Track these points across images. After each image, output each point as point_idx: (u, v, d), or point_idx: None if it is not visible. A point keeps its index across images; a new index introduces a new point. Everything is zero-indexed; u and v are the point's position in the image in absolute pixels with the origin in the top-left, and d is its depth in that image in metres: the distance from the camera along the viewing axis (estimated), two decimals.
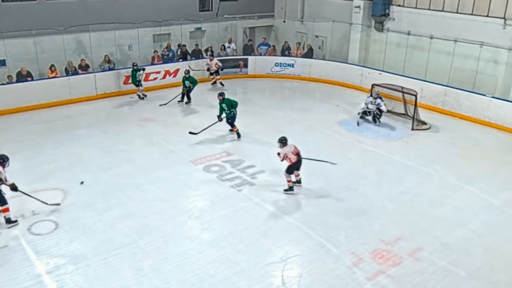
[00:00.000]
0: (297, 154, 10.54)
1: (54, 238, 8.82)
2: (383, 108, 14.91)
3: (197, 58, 19.98)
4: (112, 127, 14.66)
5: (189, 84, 16.47)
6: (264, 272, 8.00)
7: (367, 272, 8.05)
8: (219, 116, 13.54)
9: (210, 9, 21.72)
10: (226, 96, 13.60)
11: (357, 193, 10.87)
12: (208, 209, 10.02)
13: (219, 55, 20.38)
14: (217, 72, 18.73)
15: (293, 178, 10.78)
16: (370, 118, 15.25)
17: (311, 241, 8.90)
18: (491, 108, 15.33)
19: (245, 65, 20.48)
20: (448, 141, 14.19)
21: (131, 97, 17.30)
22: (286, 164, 10.54)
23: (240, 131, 13.79)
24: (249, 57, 20.76)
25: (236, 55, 20.77)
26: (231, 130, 13.79)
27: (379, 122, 15.05)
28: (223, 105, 13.43)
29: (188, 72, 16.62)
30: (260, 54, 21.39)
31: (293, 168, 10.60)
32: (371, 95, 15.05)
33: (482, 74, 16.51)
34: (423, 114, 15.46)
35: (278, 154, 10.50)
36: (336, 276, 7.93)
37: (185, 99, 16.84)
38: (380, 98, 14.91)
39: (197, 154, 12.60)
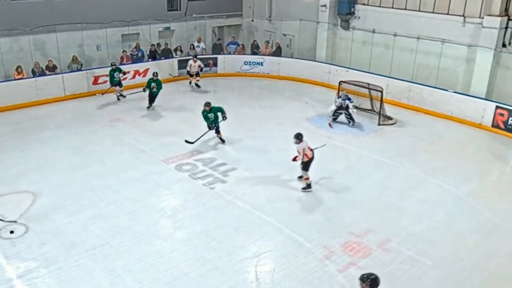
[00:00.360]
0: (312, 150, 10.71)
1: (24, 242, 8.69)
2: (351, 110, 14.98)
3: (167, 57, 19.89)
4: (81, 128, 14.47)
5: (154, 86, 15.93)
6: (237, 268, 8.11)
7: (339, 265, 8.26)
8: (209, 126, 13.17)
9: (179, 9, 21.65)
10: (202, 101, 13.41)
11: (327, 187, 11.11)
12: (180, 208, 10.07)
13: (188, 55, 20.34)
14: (197, 74, 18.61)
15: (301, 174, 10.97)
16: (342, 118, 15.26)
17: (283, 236, 9.05)
18: (453, 103, 15.87)
19: (215, 64, 20.52)
20: (413, 135, 14.62)
21: (98, 95, 17.03)
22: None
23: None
24: (219, 56, 20.81)
25: (205, 54, 20.77)
26: (221, 139, 13.46)
27: (354, 122, 15.06)
28: (209, 114, 13.02)
29: (157, 74, 16.23)
30: (229, 53, 21.47)
31: (309, 164, 10.71)
32: (340, 97, 15.17)
33: (444, 70, 17.07)
34: (389, 110, 15.88)
35: (298, 152, 10.50)
36: (308, 270, 8.10)
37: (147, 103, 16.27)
38: (349, 99, 15.05)
39: (168, 154, 12.60)
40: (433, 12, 17.10)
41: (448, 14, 16.68)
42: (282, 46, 21.66)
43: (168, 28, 21.45)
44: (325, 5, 20.08)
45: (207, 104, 13.04)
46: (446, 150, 13.51)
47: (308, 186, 10.90)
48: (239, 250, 8.62)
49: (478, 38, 15.77)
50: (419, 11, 17.47)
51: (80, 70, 17.79)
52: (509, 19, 15.23)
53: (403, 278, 8.00)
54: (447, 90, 16.20)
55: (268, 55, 21.08)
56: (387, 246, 8.84)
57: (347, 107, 14.94)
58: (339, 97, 15.24)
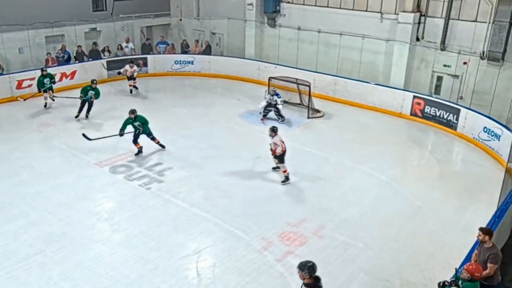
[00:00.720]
0: (283, 142, 11.16)
1: None
2: (279, 106, 15.27)
3: (95, 58, 19.34)
4: (6, 134, 13.77)
5: (92, 95, 14.92)
6: (178, 266, 8.20)
7: (277, 254, 8.58)
8: (136, 134, 12.42)
9: (104, 9, 21.09)
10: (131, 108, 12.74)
11: (262, 180, 11.44)
12: (117, 210, 9.96)
13: (116, 55, 19.92)
14: (133, 78, 17.98)
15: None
16: (273, 114, 15.58)
17: (221, 231, 9.25)
18: (375, 94, 16.83)
19: (145, 64, 20.24)
20: (341, 127, 15.34)
21: (19, 100, 16.15)
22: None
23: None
24: (148, 56, 20.56)
25: (134, 55, 20.43)
26: (160, 145, 12.90)
27: (283, 119, 15.40)
28: (136, 123, 12.26)
29: (96, 82, 15.22)
30: (159, 53, 21.29)
31: (284, 156, 11.16)
32: (269, 93, 15.53)
33: (366, 64, 18.04)
34: (317, 103, 16.52)
35: (274, 144, 11.02)
36: (248, 262, 8.35)
37: (84, 112, 15.19)
38: (277, 94, 15.41)
39: (102, 156, 12.35)
40: (353, 9, 17.97)
41: (366, 11, 17.62)
42: (211, 44, 21.83)
43: (95, 28, 20.86)
44: (251, 4, 20.45)
45: (132, 111, 12.28)
46: (371, 139, 14.31)
47: (287, 178, 11.27)
48: (179, 248, 8.71)
49: (395, 33, 16.83)
50: (340, 8, 18.30)
51: (1, 74, 16.88)
52: (421, 15, 16.38)
53: (338, 261, 8.46)
54: (369, 83, 17.15)
55: (198, 53, 21.14)
56: (322, 233, 9.29)
57: (275, 104, 15.29)
58: (268, 93, 15.61)
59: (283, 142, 11.15)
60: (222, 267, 8.23)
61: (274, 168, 11.67)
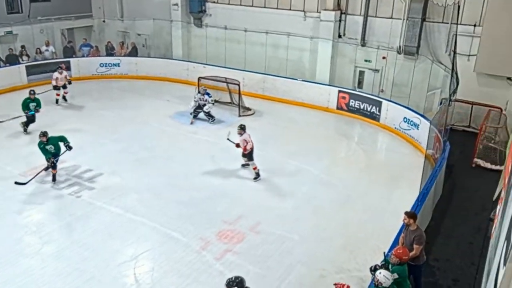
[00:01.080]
0: (252, 141, 11.31)
1: None
2: (206, 107, 15.11)
3: (13, 63, 18.27)
4: None
5: (34, 107, 13.74)
6: (115, 274, 8.03)
7: (215, 253, 8.63)
8: (49, 160, 10.90)
9: (20, 11, 20.03)
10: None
11: (197, 180, 11.43)
12: (46, 221, 9.55)
13: (35, 59, 18.95)
14: (65, 86, 16.75)
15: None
16: (203, 115, 15.50)
17: (158, 235, 9.15)
18: (303, 90, 17.34)
19: (68, 68, 19.34)
20: (271, 123, 15.65)
21: None
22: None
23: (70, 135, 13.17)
24: (71, 59, 19.74)
25: (56, 58, 19.55)
26: (54, 177, 11.14)
27: (213, 119, 15.38)
28: (48, 146, 10.88)
29: (34, 93, 14.04)
30: (83, 56, 20.55)
31: (252, 153, 11.32)
32: (199, 92, 15.46)
33: (292, 61, 18.54)
34: (247, 101, 16.74)
35: (239, 144, 11.17)
36: (187, 263, 8.34)
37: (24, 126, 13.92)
38: (208, 94, 15.37)
39: (27, 166, 11.69)
40: (277, 8, 18.41)
41: (290, 9, 18.12)
42: (137, 46, 21.37)
43: (10, 32, 19.70)
44: (176, 4, 20.29)
45: (43, 133, 10.87)
46: (300, 134, 14.74)
47: (258, 174, 11.39)
48: (115, 255, 8.52)
49: (318, 30, 17.45)
50: (265, 7, 18.65)
51: None
52: (341, 13, 17.09)
53: (275, 255, 8.67)
54: (296, 79, 17.62)
55: (124, 55, 20.64)
56: (258, 229, 9.47)
57: (204, 104, 15.21)
58: (198, 92, 15.57)
59: (251, 139, 11.38)
60: (160, 270, 8.15)
61: (243, 165, 11.84)
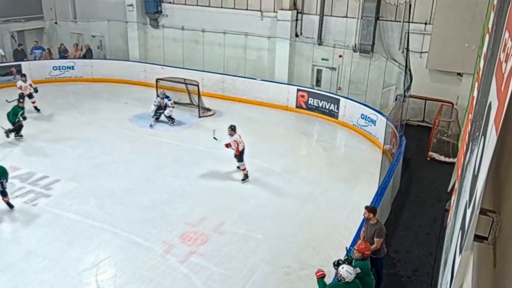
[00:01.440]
0: (242, 141, 11.16)
1: None
2: (167, 111, 15.01)
3: None
4: None
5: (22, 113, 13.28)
6: (76, 282, 7.83)
7: (179, 256, 8.56)
8: None
9: None
10: None
11: (158, 183, 11.29)
12: (1, 232, 9.17)
13: None
14: (30, 95, 15.68)
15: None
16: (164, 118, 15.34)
17: (120, 240, 8.98)
18: (262, 90, 17.42)
19: (19, 72, 18.62)
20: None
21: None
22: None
23: (23, 141, 12.71)
24: (22, 63, 19.00)
25: (6, 62, 18.78)
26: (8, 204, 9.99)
27: (173, 121, 15.26)
28: None
29: (23, 101, 13.45)
30: (35, 59, 19.83)
31: (243, 154, 11.18)
32: (158, 96, 15.27)
33: (251, 61, 18.59)
34: (206, 102, 16.65)
35: (229, 145, 11.05)
36: (150, 267, 8.23)
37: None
38: (167, 97, 15.26)
39: None
40: (234, 8, 18.41)
41: (247, 9, 18.16)
42: (92, 47, 20.83)
43: None
44: (131, 5, 19.93)
45: None
46: (261, 133, 14.78)
47: (246, 176, 11.27)
48: (76, 263, 8.30)
49: (275, 30, 17.58)
50: (221, 7, 18.61)
51: None
52: (298, 12, 17.28)
53: (240, 255, 8.69)
54: (255, 79, 17.68)
55: (79, 58, 20.08)
56: (222, 229, 9.46)
57: (165, 106, 15.08)
58: (157, 96, 15.38)
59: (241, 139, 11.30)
60: (123, 276, 8.01)
61: (238, 168, 11.66)
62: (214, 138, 11.79)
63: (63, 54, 20.26)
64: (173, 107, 15.30)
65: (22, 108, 13.42)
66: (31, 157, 12.32)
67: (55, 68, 19.39)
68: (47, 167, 11.84)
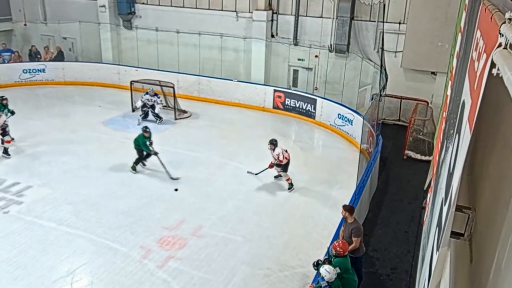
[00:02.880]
0: (287, 151, 11.04)
1: None
2: (157, 109, 15.28)
3: None
4: None
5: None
6: None
7: (157, 261, 8.41)
8: None
9: None
10: None
11: (135, 187, 11.09)
12: None
13: None
14: None
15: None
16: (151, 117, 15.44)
17: (96, 246, 8.78)
18: (239, 91, 17.36)
19: None
20: (208, 125, 15.52)
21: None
22: None
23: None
24: None
25: None
26: None
27: (161, 120, 15.35)
28: None
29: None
30: (4, 62, 19.33)
31: (288, 165, 10.98)
32: (147, 93, 15.36)
33: (227, 62, 18.51)
34: (182, 104, 16.50)
35: (272, 165, 10.94)
36: (128, 273, 8.07)
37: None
38: (157, 95, 15.37)
39: None
40: (209, 9, 18.31)
41: (222, 10, 18.07)
42: (64, 50, 20.44)
43: None
44: (104, 6, 19.61)
45: None
46: (238, 134, 14.74)
47: (291, 185, 11.10)
48: (50, 271, 8.07)
49: (251, 30, 17.56)
50: (196, 8, 18.48)
51: None
52: (273, 13, 17.28)
53: (219, 258, 8.59)
54: (232, 80, 17.60)
55: (50, 60, 19.65)
56: (201, 233, 9.34)
57: (153, 105, 15.19)
58: (146, 93, 15.37)
59: (286, 151, 11.05)
60: (100, 283, 7.83)
61: (276, 177, 11.51)
62: (249, 172, 11.79)
63: (34, 56, 19.79)
64: (162, 105, 15.43)
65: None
66: (0, 164, 11.95)
67: (25, 71, 18.90)
68: (18, 173, 11.50)
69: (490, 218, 3.23)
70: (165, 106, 16.55)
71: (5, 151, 12.41)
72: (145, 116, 15.34)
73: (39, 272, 8.01)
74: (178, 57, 19.05)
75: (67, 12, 20.48)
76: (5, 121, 12.51)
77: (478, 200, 3.87)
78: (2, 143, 12.57)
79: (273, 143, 11.01)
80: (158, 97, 15.36)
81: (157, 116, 15.32)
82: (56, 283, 7.79)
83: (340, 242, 7.01)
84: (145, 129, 11.82)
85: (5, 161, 12.09)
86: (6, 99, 13.27)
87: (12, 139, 12.73)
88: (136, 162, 11.87)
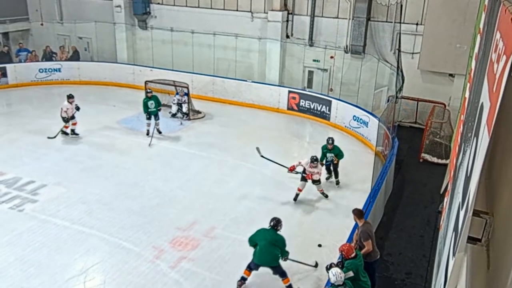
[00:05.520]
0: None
1: None
2: (184, 108, 15.69)
3: None
4: None
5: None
6: None
7: (170, 261, 8.40)
8: None
9: None
10: None
11: (148, 188, 11.10)
12: None
13: None
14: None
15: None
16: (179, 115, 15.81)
17: (109, 246, 8.80)
18: (253, 92, 17.30)
19: (4, 74, 18.37)
20: (222, 126, 15.50)
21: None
22: None
23: (9, 145, 12.43)
24: (7, 65, 18.69)
25: None
26: None
27: (188, 116, 15.69)
28: None
29: None
30: (20, 61, 19.54)
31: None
32: (177, 93, 15.61)
33: (241, 62, 18.48)
34: (196, 104, 16.51)
35: (306, 176, 10.50)
36: (140, 273, 8.06)
37: None
38: (186, 94, 15.60)
39: None
40: (224, 9, 18.29)
41: (237, 10, 18.05)
42: (79, 49, 20.62)
43: None
44: (119, 6, 19.73)
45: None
46: (252, 135, 14.66)
47: (325, 195, 10.88)
48: (64, 270, 8.11)
49: (266, 31, 17.48)
50: (211, 8, 18.48)
51: None
52: (288, 13, 17.20)
53: (232, 259, 8.56)
54: (246, 81, 17.56)
55: (66, 60, 19.84)
56: (213, 234, 9.31)
57: (181, 104, 15.61)
58: (176, 93, 15.66)
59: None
60: (113, 283, 7.84)
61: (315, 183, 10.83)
62: (262, 156, 11.53)
63: (49, 56, 19.98)
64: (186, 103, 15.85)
65: None
66: (16, 162, 12.08)
67: (41, 70, 19.10)
68: (33, 172, 11.60)
69: (509, 223, 3.13)
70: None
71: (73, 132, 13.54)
72: (175, 114, 15.73)
73: (52, 271, 8.05)
74: (193, 57, 19.09)
75: (83, 12, 20.67)
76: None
77: (496, 205, 3.77)
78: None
79: (317, 160, 10.54)
80: (186, 95, 15.70)
81: (185, 114, 15.65)
82: (69, 282, 7.81)
83: (347, 244, 6.97)
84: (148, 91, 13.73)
85: (20, 160, 12.20)
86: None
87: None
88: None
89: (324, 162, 11.29)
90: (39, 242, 8.83)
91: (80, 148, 13.14)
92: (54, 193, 10.64)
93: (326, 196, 10.91)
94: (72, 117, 13.72)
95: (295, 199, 10.70)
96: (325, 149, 11.35)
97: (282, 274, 7.69)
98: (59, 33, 21.63)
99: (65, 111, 13.55)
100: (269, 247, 7.65)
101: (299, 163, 10.59)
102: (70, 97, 13.71)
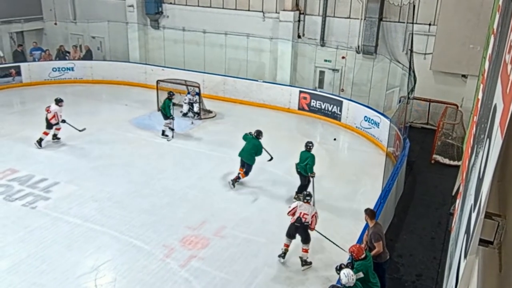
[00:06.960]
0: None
1: None
2: (195, 108, 15.81)
3: None
4: None
5: None
6: (75, 286, 7.73)
7: (180, 260, 8.44)
8: None
9: None
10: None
11: (158, 186, 11.17)
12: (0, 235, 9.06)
13: None
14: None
15: None
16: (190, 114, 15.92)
17: (120, 244, 8.87)
18: (264, 91, 17.29)
19: (18, 73, 18.58)
20: (233, 125, 15.51)
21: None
22: None
23: (22, 143, 12.61)
24: (22, 64, 18.89)
25: (5, 63, 18.71)
26: None
27: (199, 116, 15.81)
28: None
29: None
30: (34, 60, 19.75)
31: None
32: (189, 93, 15.73)
33: (252, 62, 18.48)
34: (208, 104, 16.55)
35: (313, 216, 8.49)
36: (151, 272, 8.12)
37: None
38: (197, 94, 15.73)
39: None
40: (235, 9, 18.30)
41: (249, 10, 18.05)
42: (92, 49, 20.78)
43: None
44: (132, 5, 19.84)
45: None
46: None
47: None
48: (75, 267, 8.19)
49: (277, 31, 17.47)
50: (223, 8, 18.52)
51: None
52: (300, 13, 17.17)
53: (242, 259, 8.58)
54: (257, 80, 17.57)
55: (79, 59, 20.01)
56: (223, 233, 9.33)
57: (192, 104, 15.73)
58: (188, 93, 15.76)
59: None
60: (123, 281, 7.90)
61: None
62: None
63: (62, 55, 20.16)
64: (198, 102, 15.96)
65: None
66: (29, 160, 12.22)
67: (54, 69, 19.28)
68: (46, 169, 11.74)
69: None
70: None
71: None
72: (186, 114, 15.83)
73: (63, 267, 8.14)
74: (204, 57, 19.14)
75: (96, 11, 20.82)
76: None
77: (508, 208, 3.73)
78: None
79: (310, 196, 8.81)
80: (198, 94, 15.81)
81: (196, 113, 15.74)
82: (80, 279, 7.90)
83: (357, 245, 6.94)
84: (171, 93, 13.96)
85: (32, 158, 12.34)
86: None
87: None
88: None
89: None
90: (51, 239, 8.93)
91: (92, 146, 13.24)
92: (66, 191, 10.75)
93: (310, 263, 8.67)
94: (57, 123, 13.34)
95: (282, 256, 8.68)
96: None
97: (247, 173, 11.07)
98: (72, 33, 21.82)
99: (60, 115, 13.23)
100: (250, 148, 11.15)
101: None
102: (60, 100, 13.39)
